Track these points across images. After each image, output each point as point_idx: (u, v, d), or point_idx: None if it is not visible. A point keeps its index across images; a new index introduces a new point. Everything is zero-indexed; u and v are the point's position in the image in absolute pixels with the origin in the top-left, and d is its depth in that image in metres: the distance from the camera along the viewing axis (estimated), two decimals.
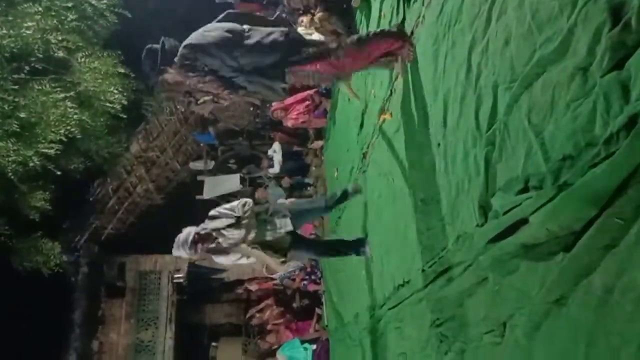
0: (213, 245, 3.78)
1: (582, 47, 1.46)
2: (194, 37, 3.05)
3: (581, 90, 1.46)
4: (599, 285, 1.37)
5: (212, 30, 3.04)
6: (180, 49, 3.03)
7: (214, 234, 3.77)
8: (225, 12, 3.24)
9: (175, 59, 3.02)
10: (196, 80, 3.04)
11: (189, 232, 3.75)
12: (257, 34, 3.03)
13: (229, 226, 3.75)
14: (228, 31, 3.03)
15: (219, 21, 3.16)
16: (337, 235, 4.97)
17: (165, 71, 3.08)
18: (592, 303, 1.39)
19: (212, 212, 3.91)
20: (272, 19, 3.35)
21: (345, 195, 4.40)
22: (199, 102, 3.32)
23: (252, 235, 3.74)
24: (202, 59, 2.99)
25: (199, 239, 3.70)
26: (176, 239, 3.75)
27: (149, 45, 3.14)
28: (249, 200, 3.92)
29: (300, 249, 3.97)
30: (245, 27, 3.08)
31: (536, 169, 1.67)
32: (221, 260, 3.91)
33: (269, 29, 3.07)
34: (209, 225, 3.80)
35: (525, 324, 1.75)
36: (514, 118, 1.86)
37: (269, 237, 3.79)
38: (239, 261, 3.86)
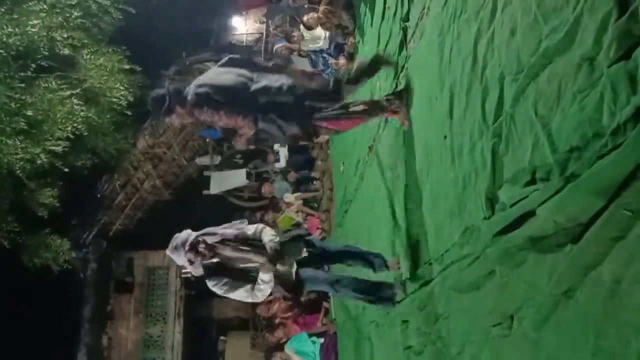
0: (212, 262, 3.28)
1: (589, 37, 1.45)
2: (207, 79, 3.22)
3: (588, 80, 1.45)
4: (608, 277, 1.36)
5: (224, 74, 3.22)
6: (193, 88, 3.17)
7: (217, 248, 3.29)
8: (227, 57, 3.40)
9: (188, 98, 3.16)
10: (210, 115, 3.15)
11: (189, 233, 3.29)
12: (265, 79, 3.18)
13: (239, 248, 3.31)
14: (240, 75, 3.19)
15: (222, 65, 3.33)
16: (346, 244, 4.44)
17: (174, 111, 3.25)
18: (601, 294, 1.38)
19: (224, 225, 3.46)
20: (270, 65, 3.49)
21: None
22: (235, 141, 3.53)
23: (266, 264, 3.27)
24: (216, 97, 3.12)
25: (202, 243, 3.23)
26: (173, 239, 3.31)
27: (154, 92, 3.36)
28: (268, 229, 3.44)
29: (308, 285, 3.50)
30: (254, 74, 3.23)
31: (543, 161, 1.66)
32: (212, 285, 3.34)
33: (275, 76, 3.20)
34: (216, 234, 3.34)
35: (533, 317, 1.74)
36: (520, 109, 1.85)
37: (279, 267, 3.32)
38: (231, 294, 3.33)
